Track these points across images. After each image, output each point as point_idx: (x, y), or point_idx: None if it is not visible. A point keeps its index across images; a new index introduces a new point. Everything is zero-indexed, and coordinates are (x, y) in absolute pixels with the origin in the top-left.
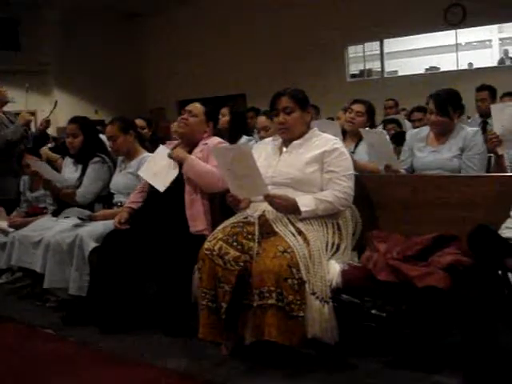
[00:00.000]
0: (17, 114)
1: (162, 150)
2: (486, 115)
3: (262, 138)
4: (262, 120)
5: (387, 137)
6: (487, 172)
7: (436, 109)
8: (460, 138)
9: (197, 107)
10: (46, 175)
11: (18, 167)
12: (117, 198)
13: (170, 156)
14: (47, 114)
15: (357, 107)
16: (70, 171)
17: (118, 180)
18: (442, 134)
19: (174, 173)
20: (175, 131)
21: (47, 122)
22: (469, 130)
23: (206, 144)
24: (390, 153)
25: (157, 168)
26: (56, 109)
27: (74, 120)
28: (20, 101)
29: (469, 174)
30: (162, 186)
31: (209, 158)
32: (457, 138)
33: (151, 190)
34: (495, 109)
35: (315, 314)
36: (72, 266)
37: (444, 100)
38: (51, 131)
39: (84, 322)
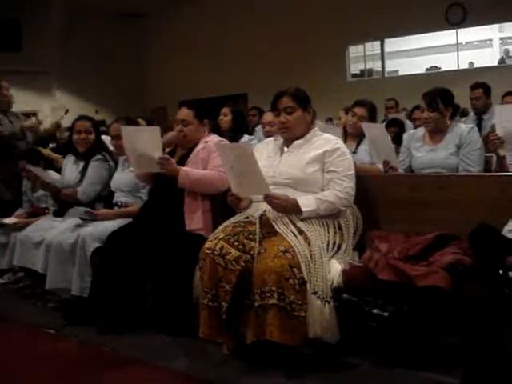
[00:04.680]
0: (23, 114)
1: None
2: (481, 113)
3: (267, 132)
4: (267, 115)
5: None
6: (488, 171)
7: (426, 105)
8: (456, 136)
9: (187, 114)
10: (45, 179)
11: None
12: (117, 198)
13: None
14: (48, 115)
15: (359, 111)
16: (70, 170)
17: (120, 178)
18: (437, 132)
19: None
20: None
21: (58, 126)
22: (464, 127)
23: (207, 142)
24: (389, 148)
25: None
26: (59, 111)
27: (87, 118)
28: (21, 101)
29: (469, 174)
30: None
31: (209, 157)
32: (452, 136)
33: (153, 189)
34: (500, 110)
35: (316, 313)
36: (74, 267)
37: (433, 96)
38: None
39: (85, 323)
